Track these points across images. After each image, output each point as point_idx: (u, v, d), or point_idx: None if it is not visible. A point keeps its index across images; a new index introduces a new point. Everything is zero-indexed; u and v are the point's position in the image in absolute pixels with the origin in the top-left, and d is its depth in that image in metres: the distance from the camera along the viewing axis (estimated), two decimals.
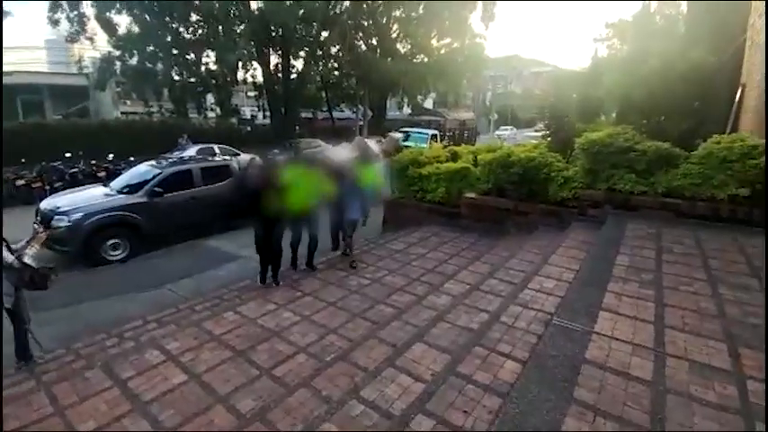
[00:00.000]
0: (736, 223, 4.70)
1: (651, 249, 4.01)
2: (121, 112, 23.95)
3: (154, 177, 7.30)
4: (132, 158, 12.38)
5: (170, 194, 7.19)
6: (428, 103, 35.45)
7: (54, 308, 4.93)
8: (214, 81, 19.93)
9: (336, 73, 24.13)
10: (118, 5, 16.60)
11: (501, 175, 6.31)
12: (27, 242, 3.45)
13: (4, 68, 17.81)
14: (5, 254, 3.17)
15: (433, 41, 25.12)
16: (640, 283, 3.19)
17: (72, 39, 16.94)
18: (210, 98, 21.92)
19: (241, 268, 6.04)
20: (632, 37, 16.99)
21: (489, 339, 2.75)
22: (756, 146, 4.68)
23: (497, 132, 35.64)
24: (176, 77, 19.08)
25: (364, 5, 22.01)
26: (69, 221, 6.23)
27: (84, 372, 2.96)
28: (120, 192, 7.28)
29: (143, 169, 7.99)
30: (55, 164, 11.64)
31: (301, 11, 18.06)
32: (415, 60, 25.03)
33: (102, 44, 17.97)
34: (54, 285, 3.54)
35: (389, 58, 23.33)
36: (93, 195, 7.15)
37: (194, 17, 18.90)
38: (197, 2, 18.06)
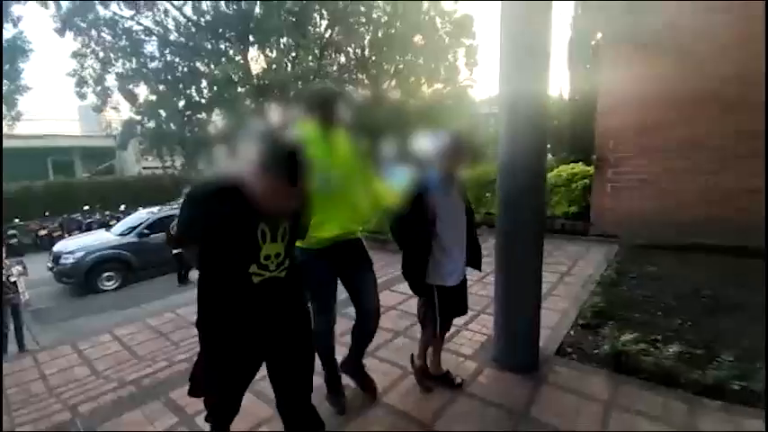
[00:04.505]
0: (567, 234, 5.98)
1: None
2: (143, 168, 26.88)
3: (144, 221, 9.11)
4: (141, 208, 14.44)
5: (155, 235, 8.92)
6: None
7: (56, 322, 6.63)
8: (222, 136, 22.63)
9: None
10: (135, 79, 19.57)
11: None
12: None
13: (40, 133, 20.89)
14: None
15: (424, 87, 27.56)
16: None
17: (98, 109, 19.88)
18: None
19: None
20: None
21: None
22: (576, 173, 6.03)
23: None
24: (188, 134, 21.77)
25: (355, 61, 24.76)
26: (74, 259, 7.99)
27: (59, 347, 4.49)
28: (118, 234, 9.09)
29: (139, 215, 9.85)
30: (74, 216, 13.84)
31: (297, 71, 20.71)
32: (405, 105, 27.37)
33: (125, 111, 20.99)
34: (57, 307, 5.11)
35: (379, 107, 25.67)
36: (95, 238, 8.98)
37: (204, 82, 21.88)
38: (204, 69, 21.09)
